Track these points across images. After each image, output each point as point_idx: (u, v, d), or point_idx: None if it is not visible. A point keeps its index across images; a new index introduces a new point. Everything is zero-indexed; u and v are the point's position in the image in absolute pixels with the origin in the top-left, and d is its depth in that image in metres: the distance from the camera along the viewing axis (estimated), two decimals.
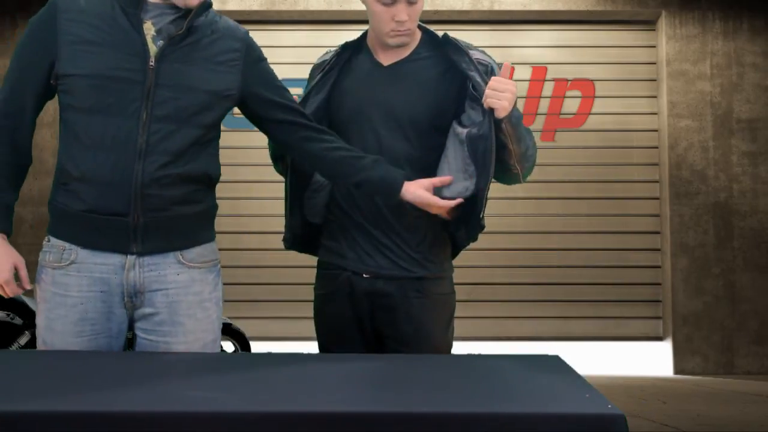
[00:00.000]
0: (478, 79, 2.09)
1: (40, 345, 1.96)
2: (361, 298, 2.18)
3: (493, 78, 2.05)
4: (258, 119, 2.09)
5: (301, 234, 2.27)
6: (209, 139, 2.00)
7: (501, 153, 2.10)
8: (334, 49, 2.28)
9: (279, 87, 2.08)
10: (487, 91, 2.03)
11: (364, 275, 2.17)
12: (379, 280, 2.17)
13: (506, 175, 2.18)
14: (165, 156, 1.91)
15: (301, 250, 2.34)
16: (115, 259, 1.93)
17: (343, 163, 2.08)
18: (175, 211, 1.95)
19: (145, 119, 1.88)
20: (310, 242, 2.31)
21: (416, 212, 2.16)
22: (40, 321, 1.96)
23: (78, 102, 1.90)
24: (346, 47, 2.25)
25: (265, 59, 2.08)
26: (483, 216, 2.14)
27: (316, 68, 2.28)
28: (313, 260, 2.30)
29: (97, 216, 1.90)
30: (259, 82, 2.03)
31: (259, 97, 2.04)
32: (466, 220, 2.17)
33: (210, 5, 1.97)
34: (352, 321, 2.20)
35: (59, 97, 1.95)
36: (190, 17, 1.93)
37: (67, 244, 1.94)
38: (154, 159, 1.89)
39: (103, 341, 1.94)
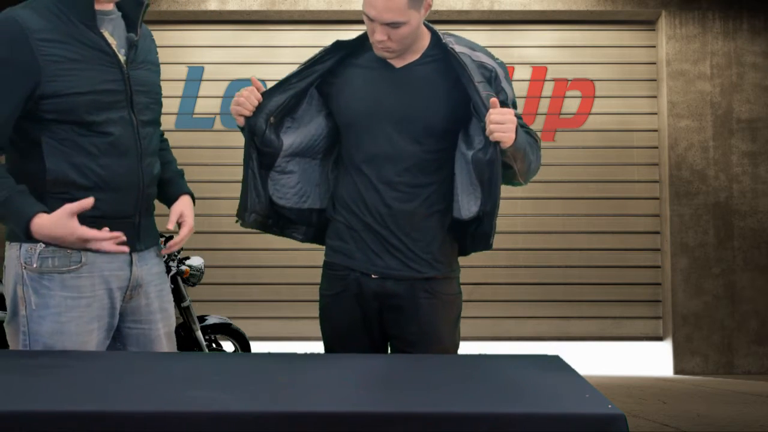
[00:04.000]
0: (478, 99, 2.05)
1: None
2: (369, 299, 2.17)
3: (491, 111, 1.99)
4: None
5: (265, 214, 2.24)
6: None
7: (506, 171, 2.09)
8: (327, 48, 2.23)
9: None
10: (490, 126, 1.98)
11: (373, 276, 2.16)
12: (388, 281, 2.16)
13: (508, 183, 2.19)
14: (152, 157, 2.07)
15: (264, 230, 2.30)
16: (121, 256, 2.02)
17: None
18: (152, 208, 2.13)
19: (136, 125, 2.01)
20: (277, 223, 2.28)
21: (426, 212, 2.16)
22: (42, 328, 1.93)
23: (73, 117, 1.92)
24: (340, 46, 2.21)
25: None
26: (492, 239, 2.12)
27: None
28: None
29: (108, 220, 1.97)
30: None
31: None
32: (473, 236, 2.17)
33: (149, 5, 2.07)
34: (360, 322, 2.19)
35: (39, 114, 1.92)
36: (141, 21, 2.04)
37: (72, 250, 1.95)
38: (148, 161, 2.05)
39: (104, 335, 2.02)
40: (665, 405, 4.99)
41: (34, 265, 1.94)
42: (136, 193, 2.01)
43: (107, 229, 1.90)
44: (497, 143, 2.00)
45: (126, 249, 1.92)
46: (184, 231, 2.14)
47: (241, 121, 2.18)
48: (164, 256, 2.24)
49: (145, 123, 2.03)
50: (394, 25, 2.04)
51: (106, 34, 1.98)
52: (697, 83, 7.06)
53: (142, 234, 2.06)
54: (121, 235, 1.90)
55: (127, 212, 2.01)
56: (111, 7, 2.02)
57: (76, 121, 1.92)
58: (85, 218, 1.93)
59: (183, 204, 2.18)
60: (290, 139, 2.22)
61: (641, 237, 7.17)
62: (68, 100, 1.90)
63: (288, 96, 2.18)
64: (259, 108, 2.17)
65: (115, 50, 1.98)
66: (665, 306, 7.09)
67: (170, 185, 2.21)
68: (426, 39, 2.19)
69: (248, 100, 2.15)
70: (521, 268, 7.09)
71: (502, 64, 2.18)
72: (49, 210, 1.88)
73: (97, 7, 1.97)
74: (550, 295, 7.08)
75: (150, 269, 2.10)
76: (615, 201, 7.17)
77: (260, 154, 2.20)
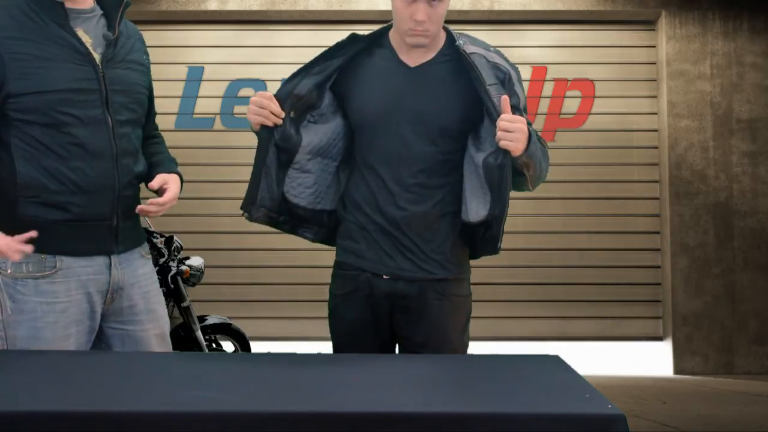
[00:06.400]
0: (489, 103, 2.05)
1: None
2: (380, 300, 2.16)
3: (501, 117, 1.99)
4: None
5: (276, 211, 2.21)
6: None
7: (517, 178, 2.09)
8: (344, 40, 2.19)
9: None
10: (499, 133, 1.99)
11: (384, 276, 2.16)
12: (400, 282, 2.15)
13: (518, 189, 2.18)
14: (130, 158, 2.01)
15: (273, 226, 2.26)
16: (99, 260, 1.99)
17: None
18: (133, 210, 2.05)
19: (111, 125, 1.96)
20: (289, 221, 2.24)
21: (438, 213, 2.15)
22: (18, 332, 1.92)
23: (41, 118, 1.89)
24: (356, 40, 2.18)
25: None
26: (500, 243, 2.10)
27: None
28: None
29: (82, 223, 1.95)
30: (150, 86, 2.14)
31: (149, 98, 2.14)
32: (482, 240, 2.16)
33: (129, 4, 2.02)
34: (370, 322, 2.18)
35: (9, 114, 1.90)
36: (119, 20, 1.99)
37: (46, 255, 1.92)
38: (125, 162, 1.99)
39: (84, 338, 1.99)
40: (665, 405, 4.99)
41: (9, 271, 1.92)
42: (111, 195, 1.97)
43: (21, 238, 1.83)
44: (507, 151, 2.01)
45: (29, 248, 1.83)
46: (168, 196, 2.03)
47: (258, 127, 2.14)
48: (154, 235, 2.22)
49: (122, 123, 1.98)
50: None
51: (81, 33, 1.95)
52: (697, 83, 7.06)
53: (120, 236, 2.02)
54: (31, 234, 1.83)
55: (103, 215, 1.97)
56: (88, 5, 1.98)
57: (46, 123, 1.89)
58: (60, 221, 1.92)
59: (169, 175, 2.09)
60: (310, 136, 2.18)
61: (641, 237, 7.17)
62: (37, 98, 1.87)
63: (308, 88, 2.13)
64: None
65: (90, 48, 1.94)
66: (665, 306, 7.09)
67: (159, 166, 2.13)
68: (442, 38, 2.19)
69: (275, 112, 2.10)
70: (521, 268, 7.09)
71: (515, 67, 2.17)
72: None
73: (72, 5, 1.94)
74: (550, 295, 7.08)
75: (134, 271, 2.06)
76: (615, 201, 7.17)
77: (279, 150, 2.17)
